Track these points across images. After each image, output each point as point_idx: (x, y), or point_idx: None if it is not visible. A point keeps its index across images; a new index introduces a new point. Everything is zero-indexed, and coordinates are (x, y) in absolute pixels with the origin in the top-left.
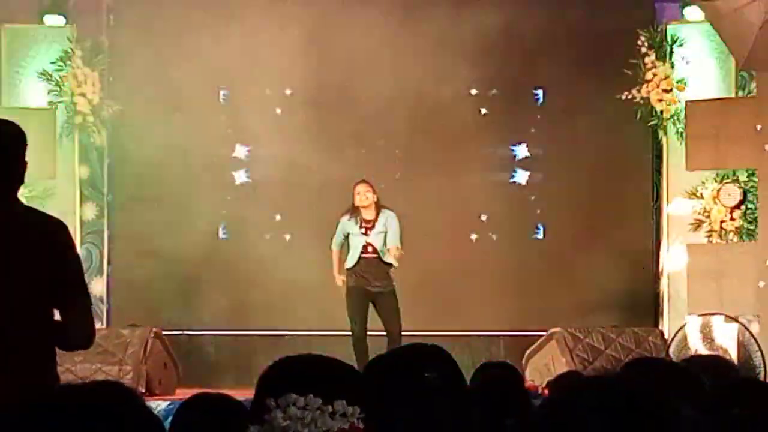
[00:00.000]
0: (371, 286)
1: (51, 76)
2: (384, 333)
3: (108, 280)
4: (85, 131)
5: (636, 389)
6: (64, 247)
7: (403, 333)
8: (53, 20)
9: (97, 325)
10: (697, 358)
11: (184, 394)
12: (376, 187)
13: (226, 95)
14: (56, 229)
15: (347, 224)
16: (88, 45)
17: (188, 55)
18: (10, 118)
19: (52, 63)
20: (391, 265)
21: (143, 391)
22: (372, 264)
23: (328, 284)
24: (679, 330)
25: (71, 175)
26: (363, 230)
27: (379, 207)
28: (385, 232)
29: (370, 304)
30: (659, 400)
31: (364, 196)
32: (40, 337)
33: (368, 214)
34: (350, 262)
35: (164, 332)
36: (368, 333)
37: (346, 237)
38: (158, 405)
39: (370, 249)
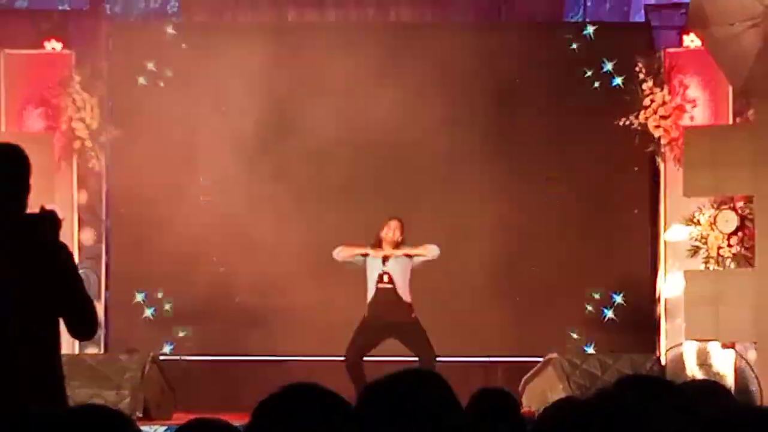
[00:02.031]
0: (389, 317)
1: (50, 101)
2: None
3: (106, 305)
4: (84, 156)
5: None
6: (52, 245)
7: (398, 359)
8: (53, 46)
9: (94, 351)
10: (692, 383)
11: (181, 419)
12: (405, 228)
13: (225, 117)
14: (43, 227)
15: (372, 253)
16: (87, 71)
17: (188, 80)
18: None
19: (51, 88)
20: (410, 306)
21: (140, 416)
22: (389, 295)
23: (328, 310)
24: (669, 349)
25: (69, 201)
26: (381, 259)
27: (399, 247)
28: (409, 260)
29: (389, 339)
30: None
31: (392, 231)
32: (47, 353)
33: (388, 249)
34: (369, 294)
35: (162, 357)
36: (378, 359)
37: (364, 259)
38: (155, 430)
39: (386, 278)
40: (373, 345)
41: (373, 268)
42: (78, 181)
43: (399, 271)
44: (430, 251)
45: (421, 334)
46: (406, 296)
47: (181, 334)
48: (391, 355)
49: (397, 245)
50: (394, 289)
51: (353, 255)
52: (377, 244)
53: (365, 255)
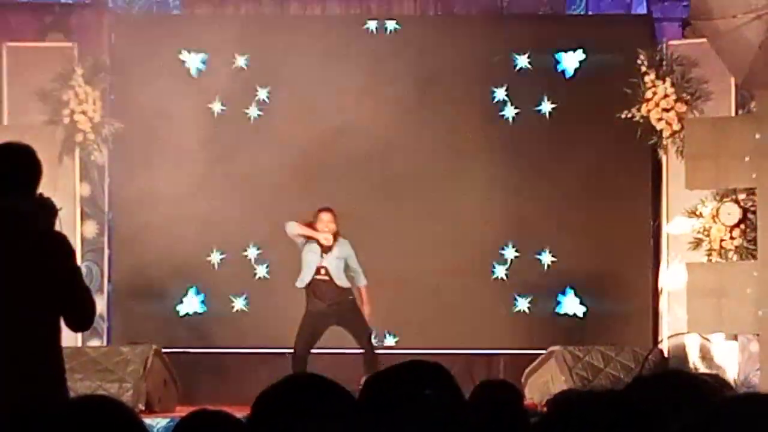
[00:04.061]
0: (330, 307)
1: (52, 94)
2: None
3: (108, 297)
4: (86, 149)
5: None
6: (47, 234)
7: (401, 351)
8: (55, 38)
9: (97, 343)
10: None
11: (184, 411)
12: (338, 215)
13: (222, 112)
14: (39, 216)
15: (307, 247)
16: (89, 63)
17: (190, 73)
18: (11, 136)
19: (53, 81)
20: (347, 289)
21: (143, 408)
22: (324, 285)
23: None
24: (670, 337)
25: (72, 193)
26: (321, 252)
27: (336, 236)
28: (344, 259)
29: (330, 327)
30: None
31: (326, 226)
32: (46, 344)
33: (326, 241)
34: (303, 280)
35: (164, 350)
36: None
37: (304, 241)
38: (158, 422)
39: (323, 271)
40: (319, 334)
41: (311, 257)
42: (80, 174)
43: (334, 267)
44: (361, 283)
45: (358, 314)
46: (342, 283)
47: (183, 326)
48: (337, 347)
49: (334, 235)
50: (331, 281)
51: (301, 235)
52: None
53: (313, 239)
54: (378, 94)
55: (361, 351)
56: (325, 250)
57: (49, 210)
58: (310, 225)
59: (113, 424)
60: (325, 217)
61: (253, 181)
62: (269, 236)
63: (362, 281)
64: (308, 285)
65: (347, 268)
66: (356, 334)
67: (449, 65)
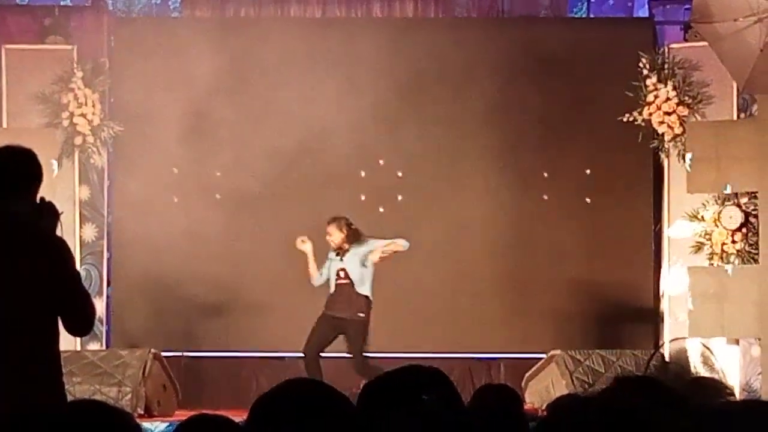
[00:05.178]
0: (340, 313)
1: (52, 96)
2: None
3: (107, 301)
4: (86, 152)
5: (628, 409)
6: (48, 238)
7: (401, 355)
8: (54, 41)
9: (96, 347)
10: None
11: (183, 416)
12: (345, 223)
13: (227, 112)
14: (40, 219)
15: (331, 252)
16: (89, 66)
17: (189, 76)
18: (10, 139)
19: (53, 84)
20: (365, 299)
21: (141, 412)
22: (345, 290)
23: None
24: (672, 341)
25: (71, 196)
26: (338, 256)
27: (351, 239)
28: (364, 255)
29: (339, 336)
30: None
31: (332, 236)
32: (44, 347)
33: (343, 245)
34: (330, 289)
35: (163, 354)
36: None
37: (329, 262)
38: (157, 427)
39: (342, 274)
40: (329, 341)
41: (333, 265)
42: (79, 177)
43: (354, 265)
44: (402, 246)
45: (360, 336)
46: (362, 290)
47: (183, 330)
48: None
49: (343, 243)
50: (350, 284)
51: (317, 270)
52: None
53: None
54: (377, 97)
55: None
56: (342, 253)
57: (51, 214)
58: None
59: (108, 429)
60: (329, 229)
61: (253, 184)
62: (268, 238)
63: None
64: (333, 290)
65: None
66: (352, 350)
67: (450, 67)
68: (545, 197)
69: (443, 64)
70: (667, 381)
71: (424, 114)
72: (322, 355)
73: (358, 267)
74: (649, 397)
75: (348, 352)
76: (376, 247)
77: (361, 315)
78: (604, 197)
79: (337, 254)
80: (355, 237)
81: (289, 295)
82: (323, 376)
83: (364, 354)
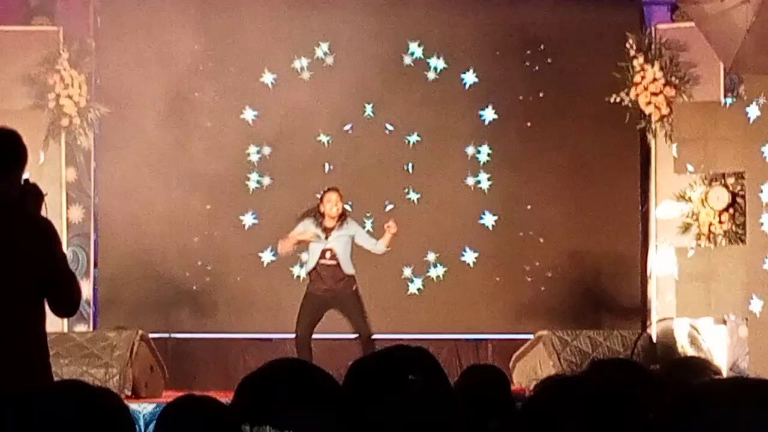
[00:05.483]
0: (328, 291)
1: (37, 78)
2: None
3: (94, 282)
4: (72, 134)
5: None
6: (33, 220)
7: (388, 336)
8: (40, 22)
9: (83, 328)
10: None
11: (170, 397)
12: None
13: (213, 94)
14: (25, 201)
15: (309, 226)
16: (75, 47)
17: (176, 58)
18: None
19: (38, 65)
20: (351, 276)
21: (129, 394)
22: (329, 271)
23: None
24: (659, 321)
25: (57, 178)
26: (324, 235)
27: (341, 217)
28: (350, 237)
29: (328, 312)
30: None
31: (334, 206)
32: (30, 329)
33: (330, 222)
34: (307, 267)
35: (151, 335)
36: (336, 336)
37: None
38: (144, 408)
39: (328, 255)
40: (319, 318)
41: (315, 243)
42: (66, 159)
43: (341, 246)
44: (380, 248)
45: (360, 308)
46: (348, 269)
47: (170, 312)
48: (340, 332)
49: (340, 217)
50: (337, 265)
51: (294, 244)
52: (319, 216)
53: (318, 224)
54: (361, 77)
55: (355, 336)
56: (329, 231)
57: (35, 195)
58: (317, 208)
59: (96, 410)
60: (333, 196)
61: (246, 163)
62: (262, 216)
63: (381, 245)
64: (313, 269)
65: (354, 248)
66: (354, 321)
67: (435, 48)
68: (532, 178)
69: (428, 45)
70: (654, 361)
71: (408, 95)
72: (321, 336)
73: (343, 246)
74: (627, 378)
75: (354, 331)
76: (383, 239)
77: (355, 288)
78: (591, 178)
79: (324, 232)
80: (345, 214)
81: (280, 275)
82: (313, 357)
83: (371, 332)
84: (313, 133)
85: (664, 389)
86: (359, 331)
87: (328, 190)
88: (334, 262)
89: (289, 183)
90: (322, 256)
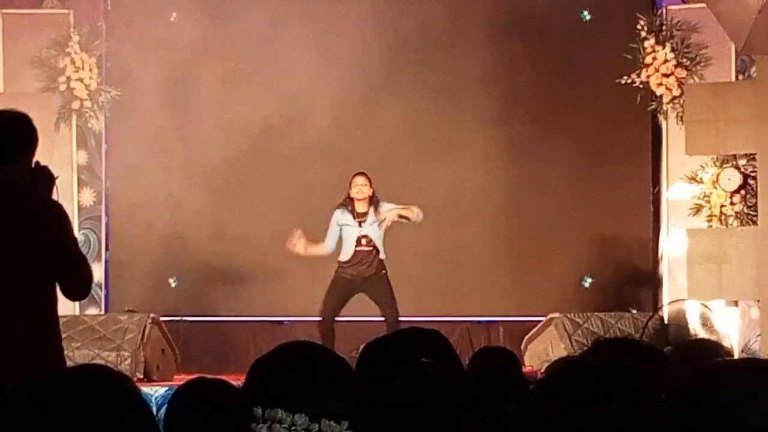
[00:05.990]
0: (360, 275)
1: (48, 61)
2: (371, 319)
3: (106, 265)
4: (83, 116)
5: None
6: (44, 203)
7: (401, 319)
8: (51, 5)
9: (95, 311)
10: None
11: (182, 380)
12: (373, 180)
13: (224, 77)
14: (36, 184)
15: (341, 216)
16: (85, 30)
17: (187, 40)
18: (7, 104)
19: (49, 48)
20: (382, 260)
21: (141, 377)
22: (367, 256)
23: (329, 272)
24: (670, 303)
25: (69, 161)
26: (357, 222)
27: (372, 200)
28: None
29: (358, 295)
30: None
31: (360, 189)
32: (42, 312)
33: (362, 207)
34: (344, 256)
35: (162, 318)
36: (356, 318)
37: (341, 230)
38: (156, 391)
39: (364, 241)
40: (346, 301)
41: (349, 231)
42: (77, 142)
43: (376, 231)
44: (415, 215)
45: (389, 291)
46: (383, 254)
47: (182, 295)
48: (362, 316)
49: (370, 200)
50: (375, 250)
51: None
52: (349, 203)
53: (349, 212)
54: (364, 64)
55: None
56: (362, 217)
57: (46, 179)
58: (348, 196)
59: (109, 393)
60: (360, 180)
61: (253, 147)
62: (270, 200)
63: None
64: (351, 258)
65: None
66: (383, 305)
67: (438, 33)
68: (543, 160)
69: (431, 30)
70: (666, 343)
71: (413, 81)
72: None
73: (377, 231)
74: (631, 357)
75: (382, 314)
76: (393, 207)
77: (384, 272)
78: (602, 160)
79: (356, 219)
80: (376, 197)
81: (287, 260)
82: (334, 340)
83: (398, 316)
84: (319, 118)
85: (669, 367)
86: (386, 315)
87: (356, 174)
88: (370, 248)
89: (296, 168)
90: (359, 243)
